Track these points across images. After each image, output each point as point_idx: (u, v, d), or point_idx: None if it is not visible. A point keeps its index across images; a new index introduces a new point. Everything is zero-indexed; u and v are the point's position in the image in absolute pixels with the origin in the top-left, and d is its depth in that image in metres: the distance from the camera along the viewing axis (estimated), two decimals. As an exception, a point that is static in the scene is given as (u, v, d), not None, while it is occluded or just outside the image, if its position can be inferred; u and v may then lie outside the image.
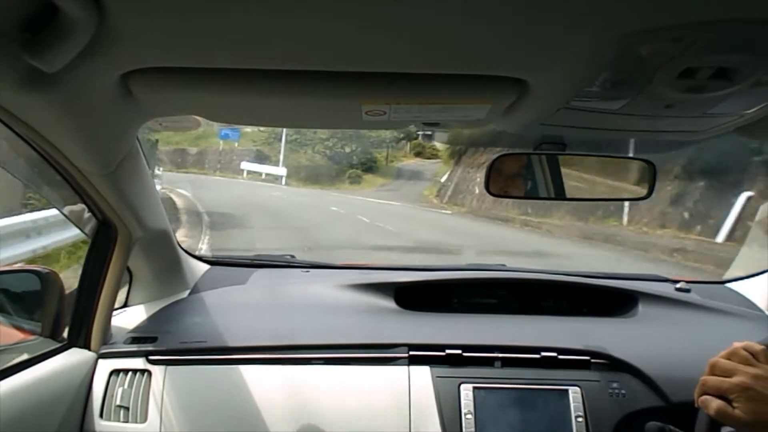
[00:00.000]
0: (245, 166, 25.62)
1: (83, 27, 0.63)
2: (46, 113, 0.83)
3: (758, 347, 0.93)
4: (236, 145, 26.97)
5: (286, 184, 24.06)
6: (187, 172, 24.92)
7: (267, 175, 25.18)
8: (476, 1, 0.60)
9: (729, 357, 0.92)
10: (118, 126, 1.01)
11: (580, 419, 1.29)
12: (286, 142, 26.41)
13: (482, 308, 1.66)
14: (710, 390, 0.90)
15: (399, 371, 1.36)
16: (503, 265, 1.97)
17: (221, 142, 26.84)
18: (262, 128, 23.16)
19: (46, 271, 1.35)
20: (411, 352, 1.38)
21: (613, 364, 1.38)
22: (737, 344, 0.94)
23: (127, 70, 0.79)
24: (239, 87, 0.84)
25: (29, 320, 1.36)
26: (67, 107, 0.83)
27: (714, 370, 0.92)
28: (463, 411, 1.29)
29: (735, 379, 0.88)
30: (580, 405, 1.30)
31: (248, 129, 25.89)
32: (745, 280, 1.85)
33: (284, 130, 23.84)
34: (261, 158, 26.77)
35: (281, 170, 25.28)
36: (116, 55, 0.73)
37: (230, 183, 21.77)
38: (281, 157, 26.18)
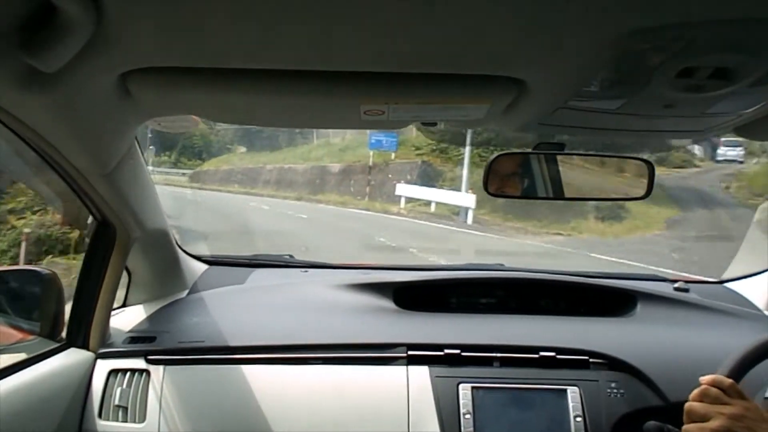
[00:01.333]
0: (402, 190, 15.00)
1: (81, 27, 0.63)
2: (45, 113, 0.83)
3: (727, 381, 0.93)
4: (393, 156, 16.80)
5: (475, 221, 12.78)
6: (319, 201, 16.71)
7: (439, 204, 14.19)
8: (475, 1, 0.60)
9: (701, 398, 0.92)
10: (117, 126, 1.01)
11: (578, 419, 1.29)
12: (473, 146, 14.21)
13: (481, 308, 1.66)
14: None
15: (397, 371, 1.36)
16: (501, 264, 1.97)
17: (371, 153, 16.63)
18: (432, 130, 11.66)
19: (46, 271, 1.35)
20: (409, 352, 1.38)
21: (612, 364, 1.38)
22: (704, 380, 0.94)
23: (125, 69, 0.79)
24: (237, 87, 0.84)
25: (28, 320, 1.36)
26: (65, 107, 0.83)
27: (691, 417, 0.92)
28: (462, 411, 1.29)
29: (713, 424, 0.88)
30: (579, 405, 1.30)
31: (412, 132, 13.95)
32: (744, 280, 1.85)
33: (468, 131, 10.65)
34: (429, 177, 15.90)
35: (465, 198, 13.52)
36: (114, 55, 0.73)
37: (370, 225, 12.13)
38: (464, 173, 14.38)
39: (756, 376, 1.09)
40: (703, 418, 0.90)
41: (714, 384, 0.93)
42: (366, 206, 15.44)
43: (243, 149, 26.19)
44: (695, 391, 0.94)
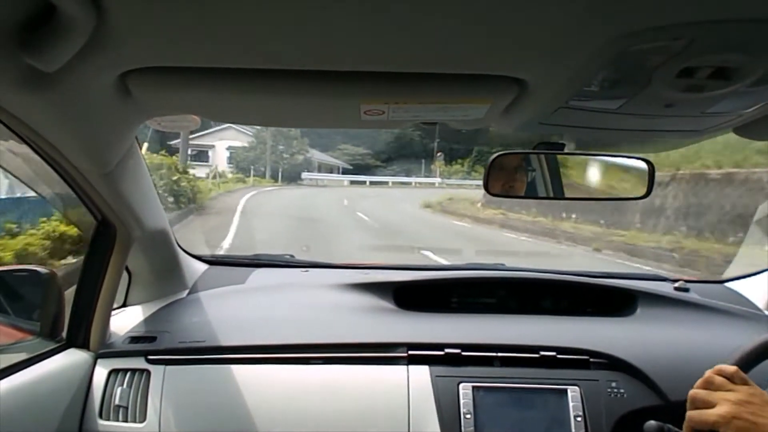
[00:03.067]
0: None
1: (81, 26, 0.63)
2: (45, 113, 0.83)
3: (731, 369, 0.93)
4: None
5: None
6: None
7: None
8: (475, 1, 0.60)
9: (705, 386, 0.92)
10: (117, 125, 1.01)
11: (579, 418, 1.29)
12: None
13: (481, 308, 1.66)
14: (697, 425, 0.89)
15: (398, 371, 1.36)
16: (502, 264, 1.97)
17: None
18: None
19: (46, 270, 1.35)
20: (410, 352, 1.38)
21: (612, 364, 1.38)
22: (709, 372, 0.93)
23: (125, 69, 0.79)
24: (238, 86, 0.83)
25: (28, 320, 1.36)
26: (65, 107, 0.83)
27: (695, 403, 0.91)
28: (462, 410, 1.29)
29: (719, 410, 0.87)
30: (579, 404, 1.30)
31: None
32: (744, 280, 1.85)
33: None
34: None
35: None
36: (114, 54, 0.73)
37: None
38: None
39: (761, 374, 1.08)
40: (707, 405, 0.89)
41: (718, 373, 0.93)
42: None
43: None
44: (700, 380, 0.93)
